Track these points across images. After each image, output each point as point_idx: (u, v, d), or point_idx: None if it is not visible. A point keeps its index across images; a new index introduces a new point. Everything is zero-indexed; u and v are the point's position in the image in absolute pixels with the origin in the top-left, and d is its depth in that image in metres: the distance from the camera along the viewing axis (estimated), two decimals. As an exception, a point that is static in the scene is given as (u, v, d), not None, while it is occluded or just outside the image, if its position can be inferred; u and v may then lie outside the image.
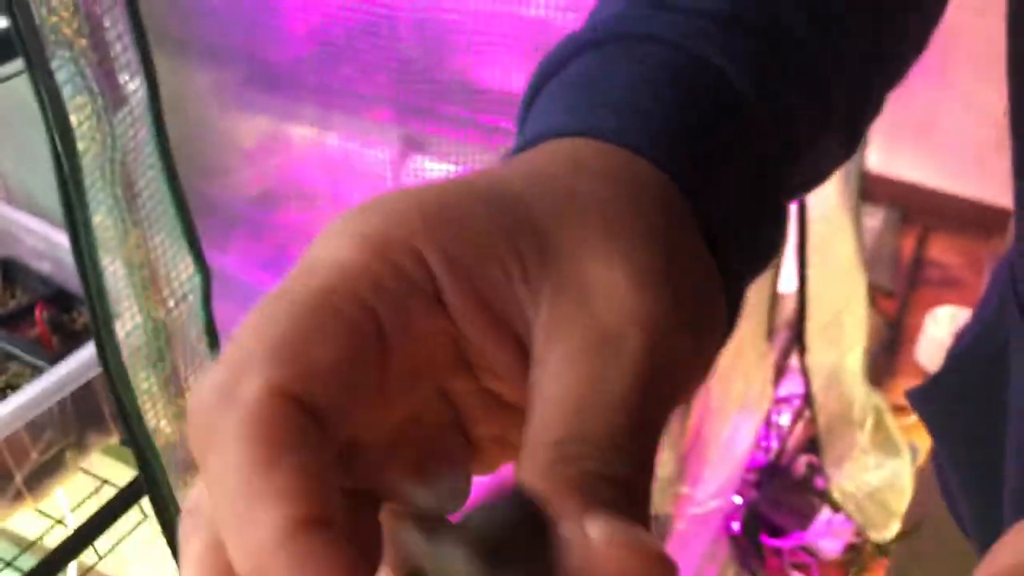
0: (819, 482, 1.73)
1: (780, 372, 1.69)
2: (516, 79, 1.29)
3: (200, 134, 1.13)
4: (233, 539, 0.20)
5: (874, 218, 2.03)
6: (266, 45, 1.13)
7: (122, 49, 0.67)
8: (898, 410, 1.83)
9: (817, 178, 0.37)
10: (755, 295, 1.37)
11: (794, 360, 1.66)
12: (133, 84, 0.69)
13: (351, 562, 0.20)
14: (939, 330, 1.94)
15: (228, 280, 1.21)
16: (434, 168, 1.23)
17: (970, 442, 0.60)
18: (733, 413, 1.45)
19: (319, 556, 0.20)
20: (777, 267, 1.44)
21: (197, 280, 0.80)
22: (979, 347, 0.60)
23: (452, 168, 1.24)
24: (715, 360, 0.28)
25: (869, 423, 1.79)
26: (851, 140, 0.37)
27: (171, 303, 0.78)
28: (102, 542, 0.99)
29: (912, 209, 2.12)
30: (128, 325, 0.76)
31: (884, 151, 1.99)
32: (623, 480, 0.23)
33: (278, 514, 0.20)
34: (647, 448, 0.24)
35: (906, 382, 1.95)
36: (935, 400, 0.64)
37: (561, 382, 0.24)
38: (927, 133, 2.02)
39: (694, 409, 1.22)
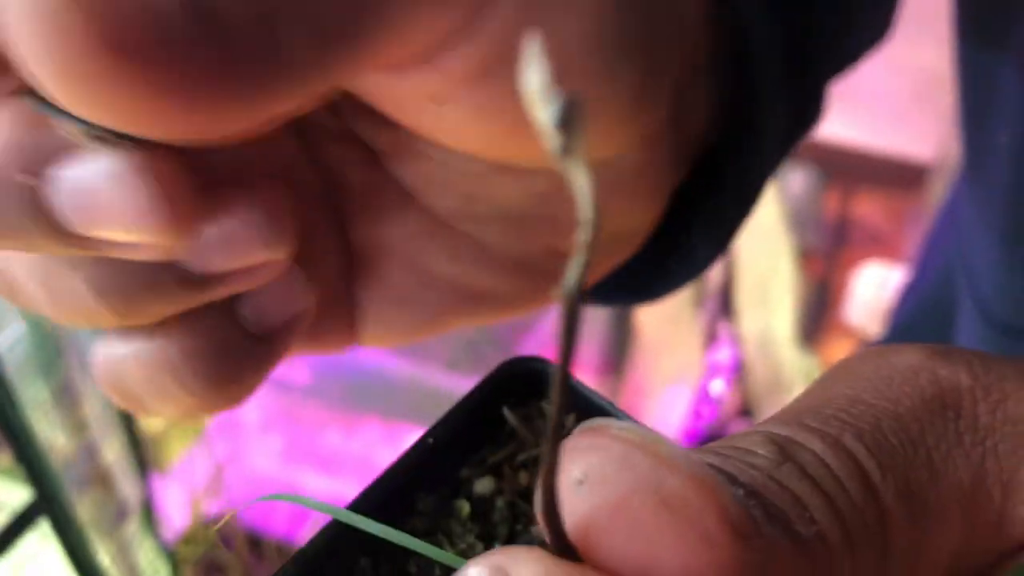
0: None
1: (711, 339, 1.68)
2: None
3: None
4: None
5: (797, 178, 2.03)
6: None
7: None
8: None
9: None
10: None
11: (724, 326, 1.65)
12: None
13: None
14: (867, 288, 1.94)
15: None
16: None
17: None
18: (664, 387, 1.43)
19: None
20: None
21: (85, 283, 0.74)
22: (926, 317, 0.60)
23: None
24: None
25: (800, 385, 1.78)
26: None
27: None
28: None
29: (835, 167, 2.12)
30: (11, 336, 0.71)
31: (804, 111, 1.98)
32: None
33: None
34: None
35: (836, 341, 1.95)
36: None
37: None
38: (846, 91, 2.01)
39: (624, 387, 1.19)
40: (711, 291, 1.61)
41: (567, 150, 0.13)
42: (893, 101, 1.95)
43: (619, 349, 1.18)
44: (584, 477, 0.16)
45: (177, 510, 1.07)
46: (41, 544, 1.01)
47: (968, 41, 0.46)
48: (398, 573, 0.23)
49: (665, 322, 1.33)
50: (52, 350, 0.73)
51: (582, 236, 0.13)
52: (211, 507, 1.12)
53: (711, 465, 0.17)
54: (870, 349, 0.22)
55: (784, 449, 0.19)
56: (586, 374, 1.23)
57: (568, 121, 0.13)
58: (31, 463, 0.73)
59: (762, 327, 1.67)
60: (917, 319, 0.61)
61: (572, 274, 0.14)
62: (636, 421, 0.19)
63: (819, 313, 2.01)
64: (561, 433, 0.15)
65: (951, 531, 0.20)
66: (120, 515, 0.85)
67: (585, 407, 0.23)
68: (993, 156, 0.46)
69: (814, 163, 2.06)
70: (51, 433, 0.75)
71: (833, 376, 0.22)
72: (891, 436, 0.19)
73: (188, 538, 1.11)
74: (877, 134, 2.04)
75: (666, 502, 0.15)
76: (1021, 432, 0.20)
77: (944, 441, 0.20)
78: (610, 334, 1.19)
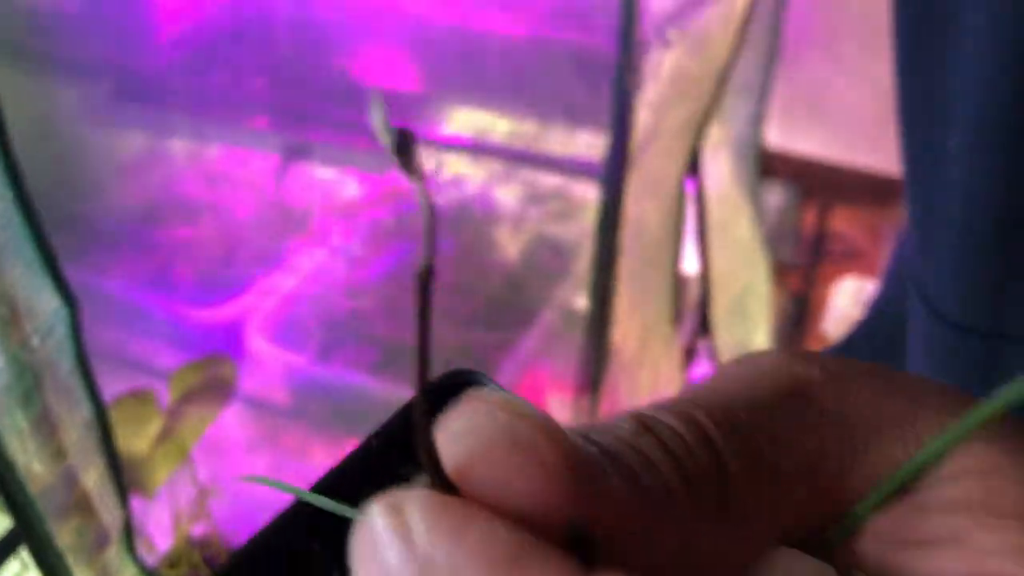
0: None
1: (690, 354, 1.69)
2: (400, 75, 1.26)
3: (71, 153, 1.08)
4: None
5: (774, 194, 2.04)
6: (132, 55, 1.08)
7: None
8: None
9: None
10: (656, 280, 1.36)
11: (702, 342, 1.66)
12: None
13: None
14: (845, 302, 1.96)
15: (114, 303, 1.16)
16: (320, 174, 1.19)
17: None
18: (642, 403, 1.44)
19: None
20: (678, 251, 1.43)
21: (63, 313, 0.75)
22: (887, 316, 0.61)
23: (337, 174, 1.20)
24: None
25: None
26: None
27: (35, 340, 0.74)
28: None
29: (811, 183, 2.13)
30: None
31: (780, 128, 1.99)
32: None
33: None
34: None
35: (816, 355, 1.97)
36: None
37: None
38: (820, 108, 2.03)
39: (601, 405, 1.20)
40: (689, 307, 1.62)
41: (405, 166, 0.18)
42: (869, 117, 1.97)
43: (596, 366, 1.19)
44: (460, 430, 0.20)
45: (162, 533, 1.07)
46: (21, 573, 1.01)
47: (909, 48, 0.47)
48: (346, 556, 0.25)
49: (643, 339, 1.34)
50: (30, 380, 0.74)
51: (425, 225, 0.19)
52: (196, 529, 1.12)
53: (581, 435, 0.21)
54: (740, 355, 0.26)
55: (644, 423, 0.22)
56: (563, 392, 1.24)
57: (403, 146, 0.18)
58: (9, 491, 0.73)
59: (739, 342, 1.68)
60: (873, 325, 0.62)
61: (423, 258, 0.19)
62: (506, 391, 0.24)
63: (797, 328, 2.02)
64: (427, 399, 0.20)
65: (795, 494, 0.23)
66: (101, 541, 0.86)
67: (474, 383, 0.28)
68: (942, 160, 0.47)
69: (791, 179, 2.08)
70: (29, 461, 0.75)
71: (705, 377, 0.25)
72: (743, 414, 0.23)
73: (172, 560, 1.11)
74: (853, 150, 2.06)
75: (518, 444, 0.20)
76: (856, 416, 0.24)
77: (793, 421, 0.23)
78: (586, 351, 1.20)
